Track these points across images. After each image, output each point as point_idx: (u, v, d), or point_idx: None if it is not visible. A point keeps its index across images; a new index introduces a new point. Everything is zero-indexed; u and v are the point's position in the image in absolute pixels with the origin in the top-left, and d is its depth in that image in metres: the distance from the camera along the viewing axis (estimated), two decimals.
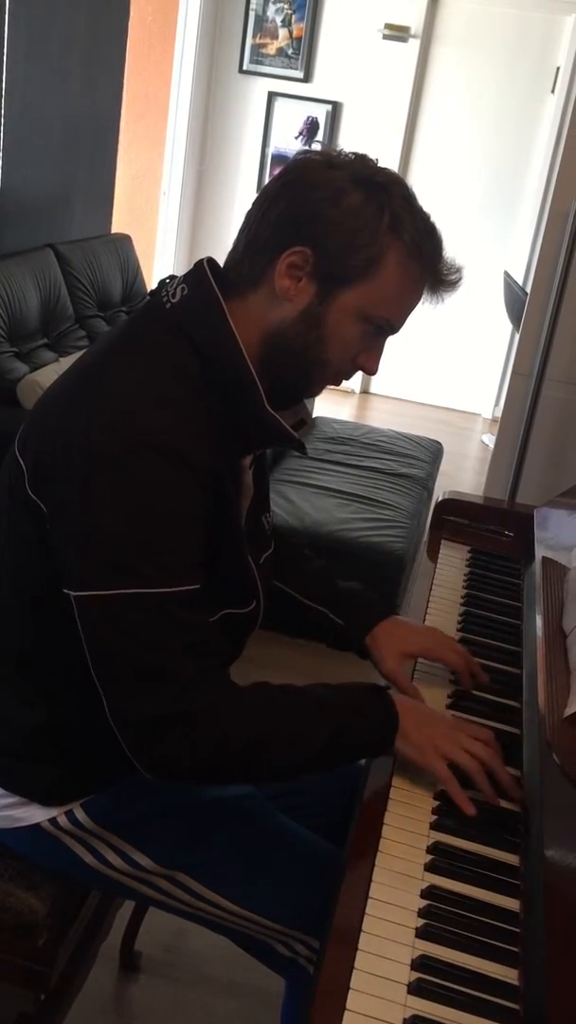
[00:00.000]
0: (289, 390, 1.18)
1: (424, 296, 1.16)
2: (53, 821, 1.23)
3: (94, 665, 1.07)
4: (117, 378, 1.09)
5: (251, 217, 1.14)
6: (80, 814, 1.23)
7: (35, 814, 1.24)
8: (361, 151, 1.14)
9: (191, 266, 1.17)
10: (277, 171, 1.16)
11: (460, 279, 1.16)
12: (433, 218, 1.14)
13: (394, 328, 1.16)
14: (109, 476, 1.03)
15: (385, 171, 1.13)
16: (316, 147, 1.22)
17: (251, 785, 1.30)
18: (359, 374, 1.19)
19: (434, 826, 1.11)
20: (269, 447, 1.24)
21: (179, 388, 1.08)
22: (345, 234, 1.08)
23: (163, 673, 1.04)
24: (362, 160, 1.13)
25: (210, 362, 1.10)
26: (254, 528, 1.26)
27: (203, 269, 1.14)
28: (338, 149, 1.14)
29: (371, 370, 1.18)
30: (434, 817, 1.12)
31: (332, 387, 1.24)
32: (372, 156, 1.14)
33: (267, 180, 5.39)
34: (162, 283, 1.17)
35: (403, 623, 1.39)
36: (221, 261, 1.17)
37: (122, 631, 1.04)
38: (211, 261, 1.15)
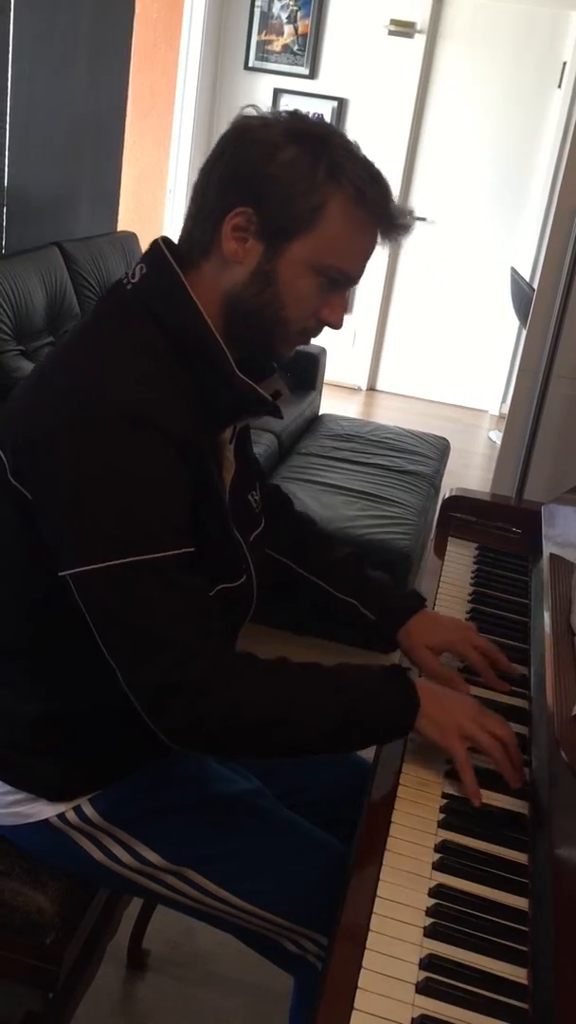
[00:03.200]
0: (256, 355, 1.19)
1: (380, 243, 1.15)
2: (61, 817, 1.23)
3: (101, 638, 1.08)
4: (87, 360, 1.11)
5: (197, 186, 1.15)
6: (88, 809, 1.23)
7: (43, 810, 1.24)
8: (293, 109, 1.14)
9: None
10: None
11: (412, 222, 1.16)
12: (378, 165, 1.13)
13: (350, 277, 1.15)
14: (88, 451, 1.04)
15: (322, 123, 1.13)
16: (249, 111, 1.23)
17: (266, 759, 1.30)
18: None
19: (442, 824, 1.11)
20: (245, 416, 1.23)
21: (148, 363, 1.10)
22: (283, 187, 1.09)
23: (165, 638, 1.05)
24: (296, 115, 1.13)
25: (176, 334, 1.11)
26: (240, 505, 1.26)
27: (159, 246, 1.16)
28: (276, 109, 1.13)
29: (335, 323, 1.18)
30: (442, 815, 1.12)
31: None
32: (311, 113, 1.15)
33: None
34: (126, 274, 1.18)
35: (431, 616, 1.41)
36: None
37: (122, 601, 1.05)
38: (165, 239, 1.17)
